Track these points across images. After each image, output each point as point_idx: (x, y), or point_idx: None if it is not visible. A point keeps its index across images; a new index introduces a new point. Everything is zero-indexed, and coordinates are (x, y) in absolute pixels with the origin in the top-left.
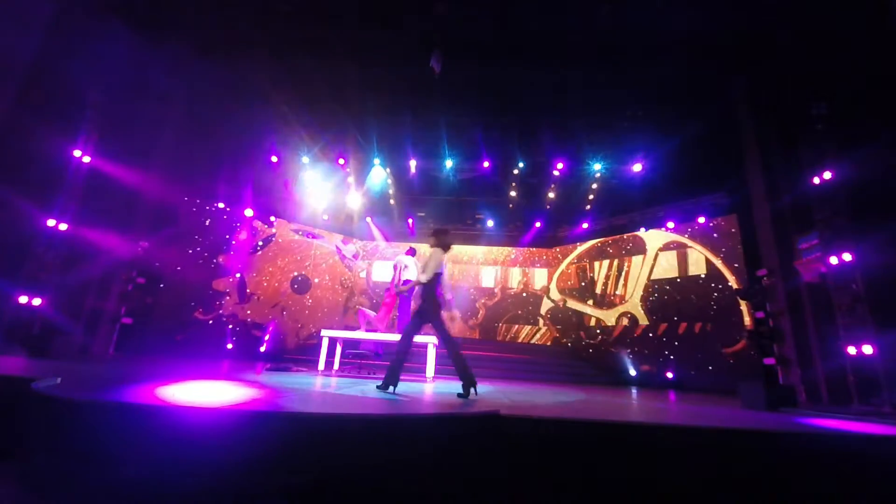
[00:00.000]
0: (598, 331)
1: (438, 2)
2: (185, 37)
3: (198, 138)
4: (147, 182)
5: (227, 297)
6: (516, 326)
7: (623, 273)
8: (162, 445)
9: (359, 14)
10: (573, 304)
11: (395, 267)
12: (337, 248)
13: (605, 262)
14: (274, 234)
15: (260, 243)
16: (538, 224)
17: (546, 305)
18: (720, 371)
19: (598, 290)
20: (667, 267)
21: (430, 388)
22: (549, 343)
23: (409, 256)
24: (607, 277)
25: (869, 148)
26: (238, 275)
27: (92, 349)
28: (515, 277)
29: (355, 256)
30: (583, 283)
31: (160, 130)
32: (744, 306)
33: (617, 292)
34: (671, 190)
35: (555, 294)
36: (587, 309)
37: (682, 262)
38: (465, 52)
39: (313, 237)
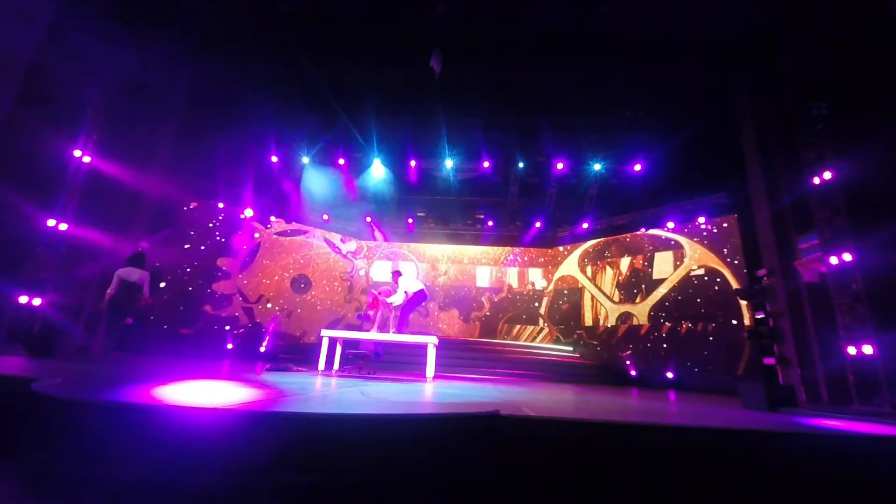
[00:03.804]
0: (599, 331)
1: (439, 2)
2: (184, 37)
3: (198, 138)
4: (147, 182)
5: (232, 298)
6: (518, 327)
7: (624, 273)
8: (162, 445)
9: (359, 14)
10: (573, 305)
11: (395, 277)
12: (334, 245)
13: (606, 263)
14: (260, 243)
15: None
16: (538, 224)
17: (546, 305)
18: (720, 371)
19: (599, 291)
20: (667, 267)
21: (430, 388)
22: (549, 343)
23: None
24: (607, 277)
25: (869, 148)
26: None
27: (92, 349)
28: (515, 277)
29: (355, 253)
30: (582, 284)
31: (160, 130)
32: (744, 306)
33: (617, 292)
34: (671, 190)
35: (554, 294)
36: (587, 309)
37: (682, 262)
38: (465, 52)
39: (312, 237)
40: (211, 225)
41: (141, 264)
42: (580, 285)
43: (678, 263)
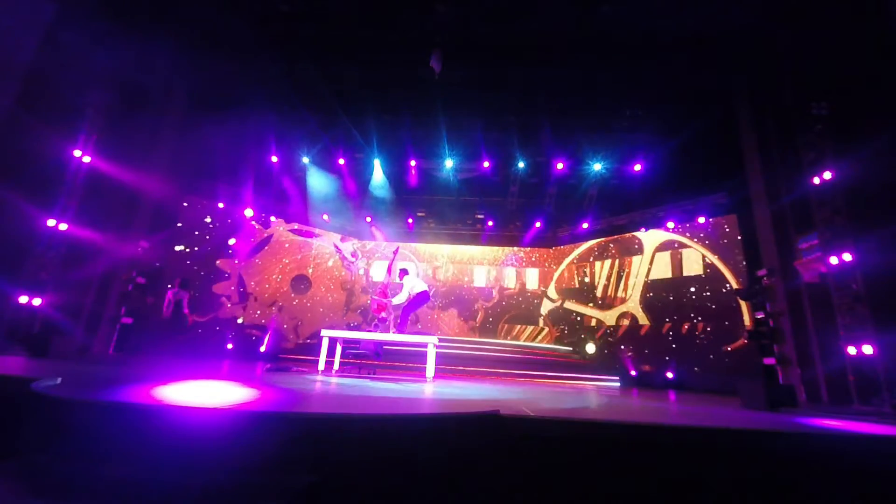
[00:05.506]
0: (599, 331)
1: (438, 2)
2: (184, 37)
3: (197, 138)
4: (147, 182)
5: (226, 299)
6: (518, 327)
7: (624, 273)
8: (162, 445)
9: (359, 14)
10: (573, 305)
11: (402, 274)
12: (335, 246)
13: (606, 263)
14: (272, 235)
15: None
16: (538, 224)
17: (546, 306)
18: (720, 371)
19: (599, 291)
20: (667, 267)
21: (431, 388)
22: (549, 343)
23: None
24: (608, 278)
25: (869, 148)
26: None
27: (92, 349)
28: (515, 278)
29: (354, 255)
30: (583, 284)
31: (160, 130)
32: (744, 306)
33: (618, 293)
34: (671, 190)
35: (554, 294)
36: (587, 309)
37: (683, 262)
38: (465, 52)
39: (312, 237)
40: (210, 224)
41: (185, 286)
42: (580, 285)
43: (678, 263)
